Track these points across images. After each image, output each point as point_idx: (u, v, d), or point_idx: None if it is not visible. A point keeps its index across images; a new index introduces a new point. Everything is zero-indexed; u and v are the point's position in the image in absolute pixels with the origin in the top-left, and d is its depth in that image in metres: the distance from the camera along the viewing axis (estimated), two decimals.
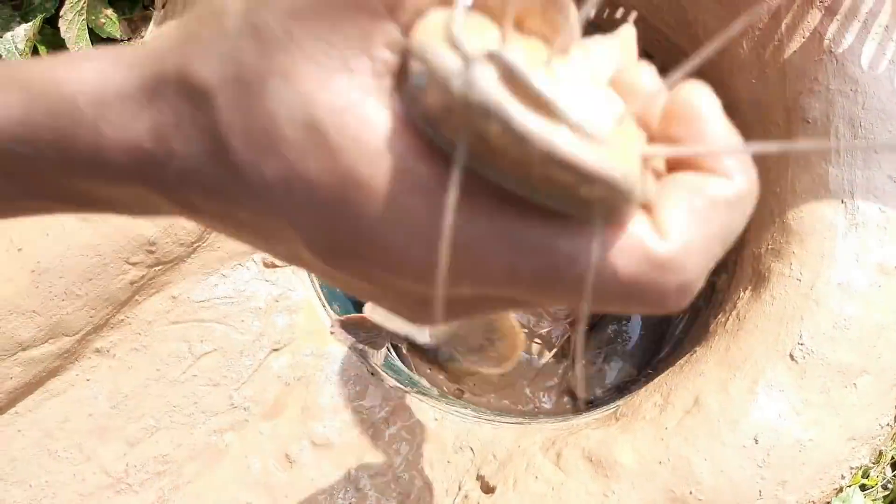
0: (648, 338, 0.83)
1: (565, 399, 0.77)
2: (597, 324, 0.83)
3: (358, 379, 0.62)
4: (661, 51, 0.68)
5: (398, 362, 0.71)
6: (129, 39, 0.64)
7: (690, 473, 0.48)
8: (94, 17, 0.60)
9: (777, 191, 0.54)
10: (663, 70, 0.13)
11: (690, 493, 0.47)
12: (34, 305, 0.55)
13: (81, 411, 0.58)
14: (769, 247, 0.54)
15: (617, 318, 0.82)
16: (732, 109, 0.61)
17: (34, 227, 0.55)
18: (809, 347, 0.49)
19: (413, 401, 0.62)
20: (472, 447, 0.59)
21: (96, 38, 0.61)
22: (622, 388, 0.78)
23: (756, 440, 0.48)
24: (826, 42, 0.53)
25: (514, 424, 0.63)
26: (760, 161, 0.47)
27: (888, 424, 0.49)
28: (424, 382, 0.75)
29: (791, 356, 0.49)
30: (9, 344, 0.54)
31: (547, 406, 0.78)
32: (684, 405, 0.51)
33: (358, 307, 0.71)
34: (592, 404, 0.77)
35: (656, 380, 0.56)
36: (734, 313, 0.54)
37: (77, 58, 0.20)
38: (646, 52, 0.70)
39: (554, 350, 0.80)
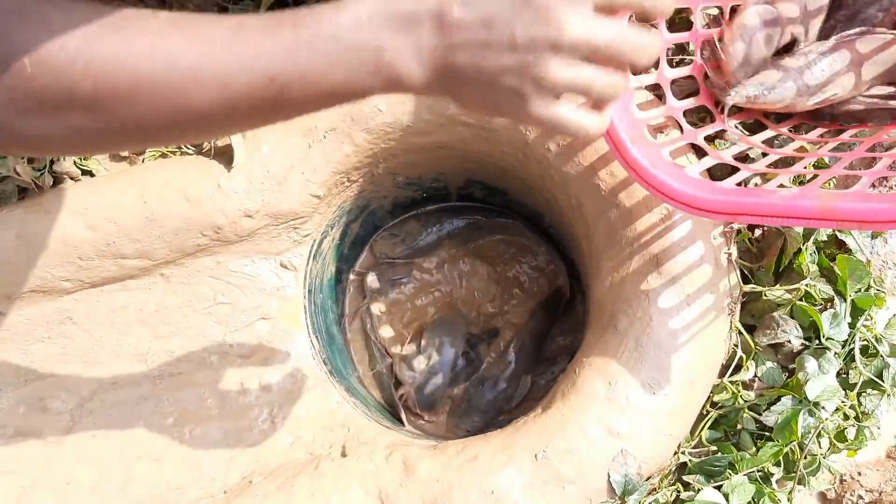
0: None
1: (443, 417, 1.11)
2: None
3: (301, 357, 0.96)
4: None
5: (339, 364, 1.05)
6: None
7: (449, 493, 0.80)
8: None
9: (584, 360, 0.86)
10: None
11: None
12: (138, 237, 0.90)
13: (136, 305, 0.93)
14: (562, 389, 0.86)
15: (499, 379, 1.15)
16: (588, 301, 0.93)
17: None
18: (547, 455, 0.81)
19: (328, 385, 0.96)
20: (349, 428, 0.93)
21: None
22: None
23: (493, 492, 0.80)
24: (645, 287, 0.85)
25: (384, 428, 0.96)
26: (594, 343, 0.79)
27: None
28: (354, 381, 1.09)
29: (535, 456, 0.81)
30: (115, 253, 0.90)
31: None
32: (468, 456, 0.83)
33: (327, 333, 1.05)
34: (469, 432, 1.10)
35: (468, 438, 0.89)
36: (525, 419, 0.86)
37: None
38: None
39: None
